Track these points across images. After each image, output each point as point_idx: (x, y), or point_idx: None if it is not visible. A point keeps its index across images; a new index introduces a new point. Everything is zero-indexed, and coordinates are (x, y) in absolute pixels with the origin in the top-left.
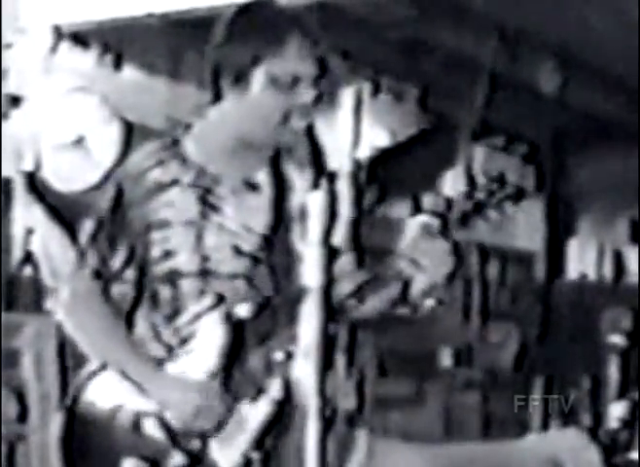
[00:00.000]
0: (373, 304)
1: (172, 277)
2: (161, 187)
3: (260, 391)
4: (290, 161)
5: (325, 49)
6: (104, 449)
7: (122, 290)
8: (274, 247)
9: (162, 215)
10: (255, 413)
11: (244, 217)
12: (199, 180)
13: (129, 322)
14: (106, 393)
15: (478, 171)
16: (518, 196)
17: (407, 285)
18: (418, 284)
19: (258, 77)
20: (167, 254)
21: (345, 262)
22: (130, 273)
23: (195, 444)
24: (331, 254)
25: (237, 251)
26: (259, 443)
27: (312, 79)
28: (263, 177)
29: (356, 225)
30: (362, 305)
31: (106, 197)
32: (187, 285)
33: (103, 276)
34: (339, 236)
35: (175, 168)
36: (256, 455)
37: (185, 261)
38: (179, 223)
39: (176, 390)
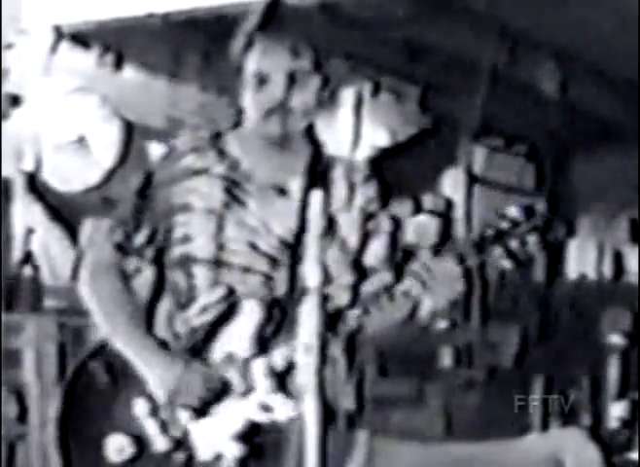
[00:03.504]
0: (379, 320)
1: (186, 262)
2: (191, 173)
3: (251, 387)
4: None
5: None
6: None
7: (138, 267)
8: (297, 253)
9: (187, 200)
10: (243, 408)
11: (267, 217)
12: (231, 173)
13: (152, 303)
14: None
15: (493, 178)
16: (545, 229)
17: (415, 306)
18: (427, 305)
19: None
20: (186, 238)
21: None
22: (151, 251)
23: (180, 429)
24: (361, 274)
25: (253, 248)
26: (243, 437)
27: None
28: (295, 186)
29: (394, 244)
30: (365, 318)
31: (137, 176)
32: (200, 273)
33: (124, 250)
34: (373, 255)
35: (210, 158)
36: (237, 450)
37: (200, 247)
38: (201, 209)
39: (162, 363)
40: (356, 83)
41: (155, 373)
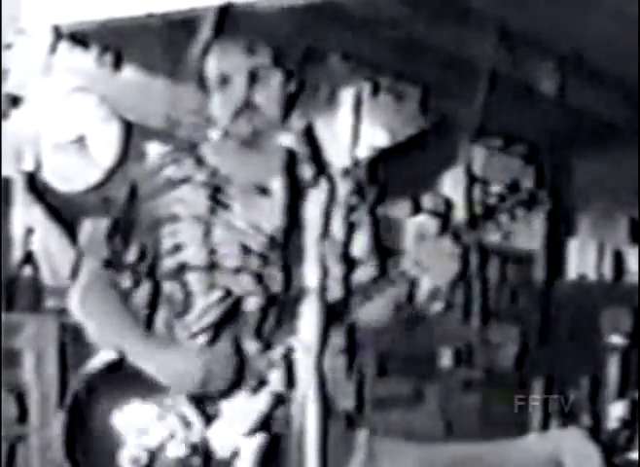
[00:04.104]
0: (380, 303)
1: (181, 271)
2: (173, 183)
3: (262, 383)
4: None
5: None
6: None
7: (133, 281)
8: (287, 249)
9: (173, 210)
10: (255, 404)
11: (253, 217)
12: (211, 179)
13: (150, 315)
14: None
15: (492, 178)
16: (531, 202)
17: (412, 288)
18: (424, 286)
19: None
20: (177, 248)
21: (366, 271)
22: (143, 266)
23: (196, 434)
24: (350, 265)
25: (245, 249)
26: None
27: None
28: (276, 184)
29: (376, 234)
30: (368, 303)
31: (121, 193)
32: (195, 279)
33: (114, 267)
34: (359, 246)
35: (189, 167)
36: (250, 444)
37: (193, 254)
38: (188, 217)
39: (181, 360)
40: (356, 83)
41: (172, 369)
